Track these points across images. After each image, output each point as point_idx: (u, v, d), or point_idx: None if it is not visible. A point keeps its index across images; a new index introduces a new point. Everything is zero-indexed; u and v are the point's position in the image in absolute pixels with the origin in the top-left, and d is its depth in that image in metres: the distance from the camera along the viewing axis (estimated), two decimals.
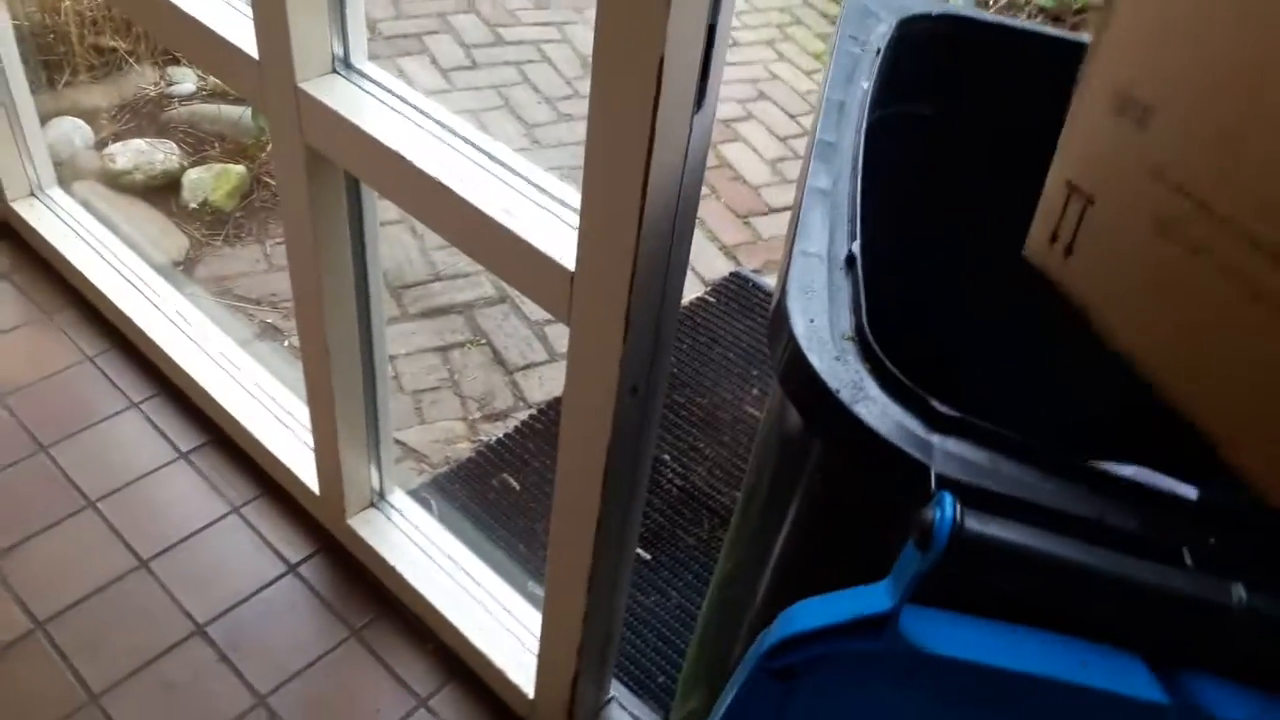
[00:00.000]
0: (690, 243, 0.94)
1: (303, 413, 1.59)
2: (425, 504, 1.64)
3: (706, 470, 1.82)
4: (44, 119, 2.23)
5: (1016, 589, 0.56)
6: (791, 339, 0.67)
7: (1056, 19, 3.57)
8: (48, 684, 1.38)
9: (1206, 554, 0.57)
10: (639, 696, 1.45)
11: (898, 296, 0.88)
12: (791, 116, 2.96)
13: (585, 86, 2.42)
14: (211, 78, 2.63)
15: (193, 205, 2.32)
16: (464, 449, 1.84)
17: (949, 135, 1.02)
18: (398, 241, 2.30)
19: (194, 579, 1.52)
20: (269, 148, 2.41)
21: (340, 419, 1.42)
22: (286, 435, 1.66)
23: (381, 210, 1.31)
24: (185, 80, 2.66)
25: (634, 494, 1.11)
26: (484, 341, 2.09)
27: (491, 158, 1.05)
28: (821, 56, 3.24)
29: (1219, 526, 0.59)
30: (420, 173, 1.03)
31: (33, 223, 1.99)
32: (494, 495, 1.74)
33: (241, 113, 2.53)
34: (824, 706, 0.63)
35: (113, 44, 2.65)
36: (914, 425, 0.62)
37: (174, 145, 2.44)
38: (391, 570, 1.50)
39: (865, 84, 0.90)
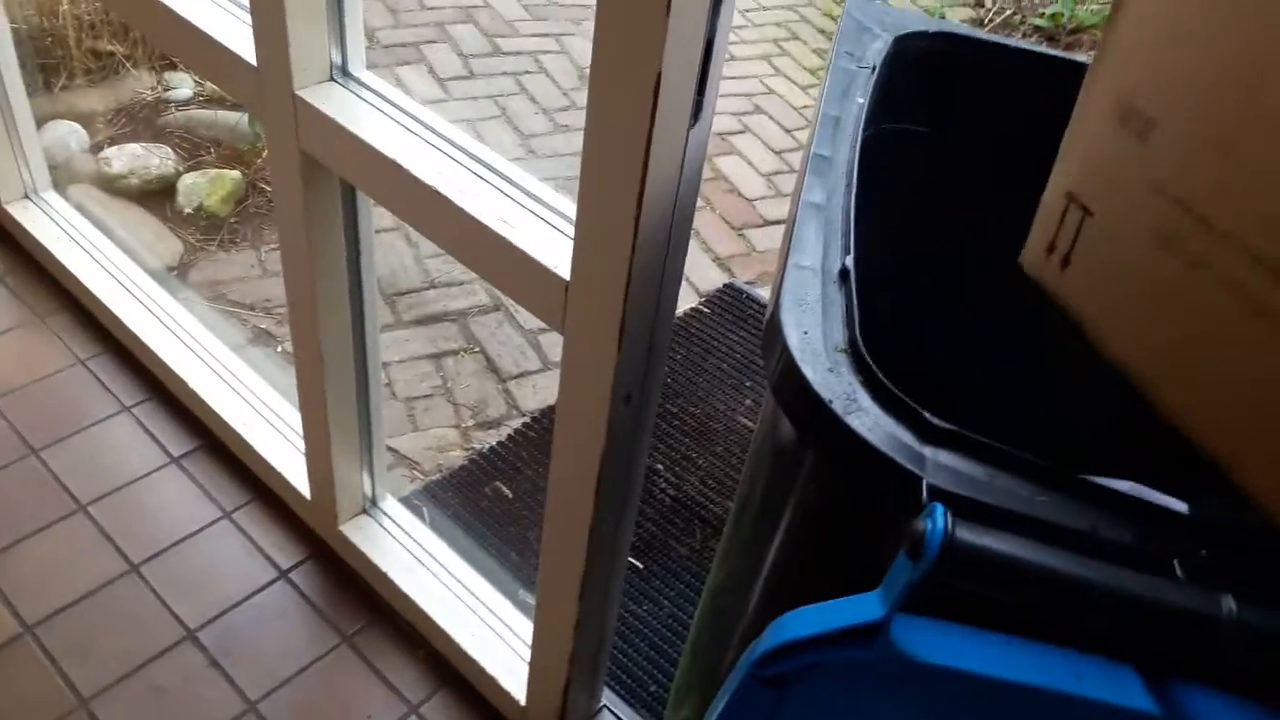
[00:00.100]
0: (685, 254, 0.94)
1: (295, 418, 1.59)
2: (417, 511, 1.64)
3: (699, 480, 1.82)
4: (40, 122, 2.22)
5: (1008, 599, 0.57)
6: (785, 350, 0.68)
7: (1051, 38, 3.60)
8: (37, 688, 1.38)
9: (1198, 567, 0.58)
10: (631, 705, 1.45)
11: (893, 312, 0.88)
12: (787, 131, 2.97)
13: (582, 98, 2.43)
14: (208, 83, 2.63)
15: (188, 210, 2.32)
16: (457, 456, 1.84)
17: (943, 152, 1.02)
18: (392, 249, 2.31)
19: (185, 584, 1.52)
20: (265, 153, 2.42)
21: (333, 425, 1.42)
22: (279, 441, 1.66)
23: (376, 217, 1.31)
24: (182, 85, 2.67)
25: (627, 502, 1.12)
26: (477, 349, 2.09)
27: (488, 167, 1.06)
28: (817, 72, 3.26)
29: (1210, 540, 0.59)
30: (417, 181, 1.04)
31: (27, 226, 1.99)
32: (486, 503, 1.74)
33: (238, 118, 2.53)
34: (815, 715, 0.63)
35: (110, 48, 2.65)
36: (906, 437, 0.62)
37: (170, 150, 2.44)
38: (383, 577, 1.50)
39: (861, 100, 0.91)
